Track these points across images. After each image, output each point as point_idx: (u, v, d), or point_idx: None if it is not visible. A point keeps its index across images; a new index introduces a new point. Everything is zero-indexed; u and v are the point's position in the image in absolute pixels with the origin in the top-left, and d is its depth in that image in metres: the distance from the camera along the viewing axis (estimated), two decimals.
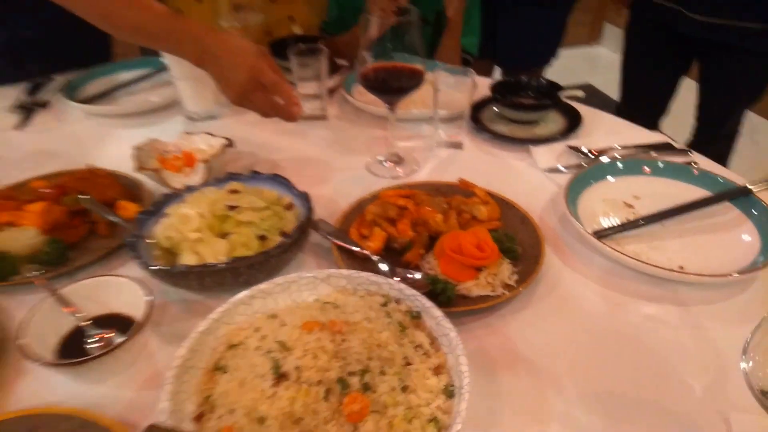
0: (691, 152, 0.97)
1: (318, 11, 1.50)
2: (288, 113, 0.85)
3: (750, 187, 0.83)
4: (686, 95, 1.94)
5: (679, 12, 1.64)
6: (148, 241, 0.72)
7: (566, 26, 2.03)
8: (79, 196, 0.78)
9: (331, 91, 1.19)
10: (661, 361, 0.62)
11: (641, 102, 2.07)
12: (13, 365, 0.62)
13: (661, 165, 0.88)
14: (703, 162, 0.95)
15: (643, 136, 1.05)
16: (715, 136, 1.88)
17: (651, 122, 2.12)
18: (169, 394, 0.51)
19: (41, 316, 0.61)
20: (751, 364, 0.43)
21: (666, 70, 1.94)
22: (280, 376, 0.51)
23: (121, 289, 0.65)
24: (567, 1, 1.97)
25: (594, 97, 3.36)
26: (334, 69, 1.23)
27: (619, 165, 0.89)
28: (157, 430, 0.48)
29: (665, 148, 1.00)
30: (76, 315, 0.63)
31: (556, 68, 3.66)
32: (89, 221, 0.79)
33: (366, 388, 0.50)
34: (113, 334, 0.62)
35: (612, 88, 2.09)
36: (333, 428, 0.48)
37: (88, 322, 0.63)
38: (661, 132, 2.20)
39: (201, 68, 0.86)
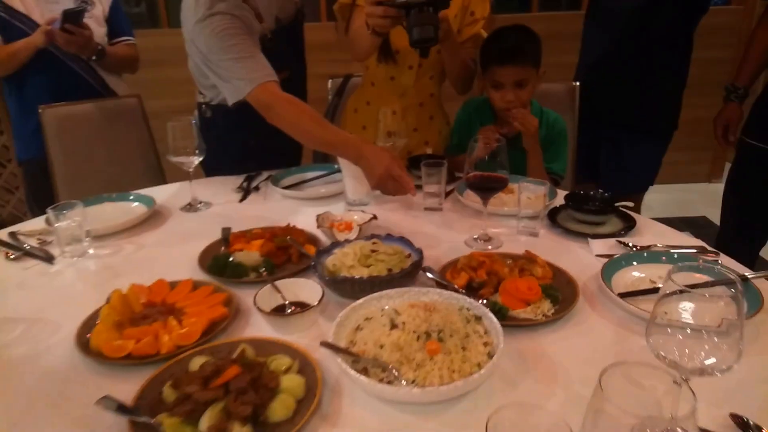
0: (719, 254, 1.26)
1: (444, 139, 2.02)
2: (405, 192, 1.43)
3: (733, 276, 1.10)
4: None
5: None
6: (322, 265, 1.18)
7: (660, 161, 2.34)
8: (284, 238, 1.28)
9: (448, 193, 1.65)
10: None
11: (739, 234, 2.25)
12: (246, 320, 1.09)
13: (675, 256, 1.19)
14: (728, 262, 1.23)
15: (682, 239, 1.35)
16: None
17: (751, 252, 2.28)
18: (333, 333, 0.93)
19: (263, 295, 1.08)
20: (651, 340, 0.75)
21: (765, 208, 2.15)
22: (393, 326, 0.91)
23: (307, 286, 1.10)
24: (661, 138, 2.30)
25: (707, 229, 3.49)
26: (451, 178, 1.70)
27: (644, 254, 1.21)
28: (327, 344, 0.89)
29: (700, 250, 1.29)
30: (282, 297, 1.09)
31: (675, 201, 3.93)
32: (288, 253, 1.28)
33: (440, 339, 0.88)
34: (300, 310, 1.06)
35: None
36: (419, 354, 0.86)
37: (287, 302, 1.09)
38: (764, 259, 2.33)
39: (356, 165, 1.44)
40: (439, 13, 1.47)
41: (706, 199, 3.96)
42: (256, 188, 1.78)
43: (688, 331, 0.72)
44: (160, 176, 2.34)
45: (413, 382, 0.84)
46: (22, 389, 0.93)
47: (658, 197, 3.81)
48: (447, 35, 1.61)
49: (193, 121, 1.60)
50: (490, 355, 0.88)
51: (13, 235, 1.49)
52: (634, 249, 1.29)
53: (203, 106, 1.86)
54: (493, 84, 1.79)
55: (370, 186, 1.46)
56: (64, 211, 1.35)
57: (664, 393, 0.59)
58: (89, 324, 1.05)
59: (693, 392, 0.57)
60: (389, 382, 0.84)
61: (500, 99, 1.78)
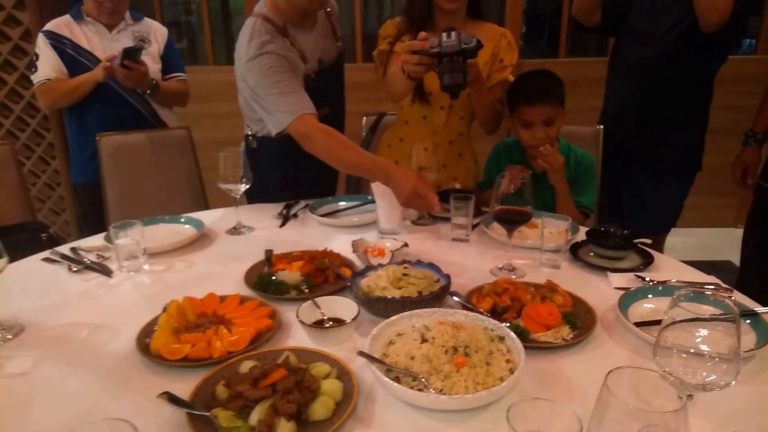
0: (732, 291, 1.33)
1: (473, 175, 2.13)
2: (431, 208, 1.55)
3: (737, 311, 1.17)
4: None
5: None
6: (357, 286, 1.29)
7: (682, 203, 2.41)
8: (323, 260, 1.40)
9: (474, 226, 1.75)
10: None
11: (759, 276, 2.29)
12: (287, 332, 1.19)
13: (690, 290, 1.25)
14: (741, 299, 1.30)
15: (698, 276, 1.42)
16: None
17: None
18: (368, 345, 1.03)
19: (304, 310, 1.18)
20: (658, 359, 0.83)
21: None
22: (423, 341, 1.00)
23: (344, 304, 1.20)
24: (683, 179, 2.37)
25: (732, 273, 3.47)
26: (478, 212, 1.80)
27: (660, 288, 1.29)
28: (364, 353, 0.99)
29: (715, 287, 1.36)
30: (321, 313, 1.20)
31: (701, 244, 3.95)
32: (325, 274, 1.39)
33: (466, 354, 0.97)
34: (337, 324, 1.16)
35: None
36: (446, 366, 0.95)
37: (326, 317, 1.19)
38: None
39: (387, 185, 1.57)
40: (468, 60, 1.60)
41: (732, 243, 3.94)
42: (295, 215, 1.91)
43: (692, 351, 0.81)
44: (203, 202, 2.49)
45: (441, 390, 0.93)
46: (90, 384, 1.04)
47: (684, 240, 3.83)
48: (476, 79, 1.74)
49: (242, 152, 1.74)
50: (512, 371, 0.97)
51: (74, 250, 1.63)
52: (651, 283, 1.36)
53: (250, 137, 2.02)
54: (522, 123, 1.90)
55: (399, 203, 1.58)
56: (125, 230, 1.49)
57: (666, 401, 0.67)
58: (148, 330, 1.17)
59: (687, 396, 0.64)
60: (419, 390, 0.93)
61: (530, 137, 1.89)
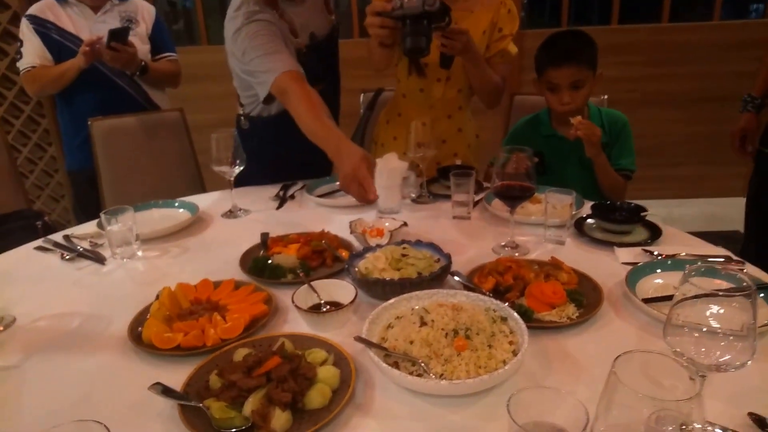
0: (744, 263, 1.28)
1: (473, 151, 2.07)
2: (366, 200, 1.44)
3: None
4: None
5: None
6: (354, 269, 1.25)
7: None
8: (320, 242, 1.35)
9: (476, 202, 1.70)
10: None
11: (762, 245, 2.24)
12: (283, 317, 1.15)
13: (699, 264, 1.21)
14: (754, 271, 1.25)
15: (708, 248, 1.37)
16: None
17: None
18: (366, 328, 0.99)
19: (300, 295, 1.14)
20: (669, 338, 0.78)
21: None
22: (422, 324, 0.96)
23: (341, 287, 1.17)
24: None
25: (739, 243, 3.43)
26: (480, 188, 1.75)
27: (668, 262, 1.24)
28: (361, 338, 0.95)
29: (726, 260, 1.31)
30: (318, 297, 1.16)
31: (711, 215, 3.91)
32: (323, 257, 1.34)
33: (467, 337, 0.93)
34: (334, 309, 1.13)
35: None
36: (447, 350, 0.91)
37: (323, 301, 1.15)
38: None
39: (333, 160, 1.53)
40: (460, 28, 1.53)
41: (739, 213, 3.90)
42: (292, 197, 1.87)
43: (704, 329, 0.76)
44: (200, 185, 2.45)
45: (441, 375, 0.89)
46: (81, 376, 1.02)
47: (693, 211, 3.78)
48: (467, 48, 1.67)
49: (235, 133, 1.69)
50: (515, 353, 0.93)
51: (67, 238, 1.60)
52: (659, 257, 1.32)
53: (241, 117, 1.96)
54: (549, 87, 1.83)
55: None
56: (116, 216, 1.45)
57: (678, 382, 0.63)
58: (140, 318, 1.13)
59: (700, 378, 0.60)
60: (419, 375, 0.89)
61: (557, 102, 1.82)
